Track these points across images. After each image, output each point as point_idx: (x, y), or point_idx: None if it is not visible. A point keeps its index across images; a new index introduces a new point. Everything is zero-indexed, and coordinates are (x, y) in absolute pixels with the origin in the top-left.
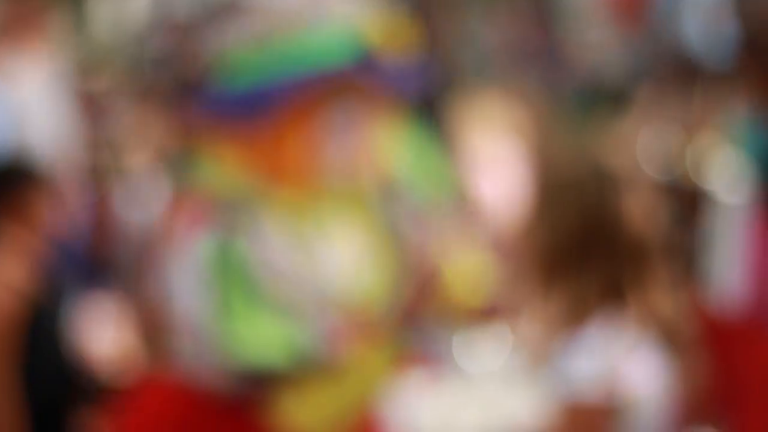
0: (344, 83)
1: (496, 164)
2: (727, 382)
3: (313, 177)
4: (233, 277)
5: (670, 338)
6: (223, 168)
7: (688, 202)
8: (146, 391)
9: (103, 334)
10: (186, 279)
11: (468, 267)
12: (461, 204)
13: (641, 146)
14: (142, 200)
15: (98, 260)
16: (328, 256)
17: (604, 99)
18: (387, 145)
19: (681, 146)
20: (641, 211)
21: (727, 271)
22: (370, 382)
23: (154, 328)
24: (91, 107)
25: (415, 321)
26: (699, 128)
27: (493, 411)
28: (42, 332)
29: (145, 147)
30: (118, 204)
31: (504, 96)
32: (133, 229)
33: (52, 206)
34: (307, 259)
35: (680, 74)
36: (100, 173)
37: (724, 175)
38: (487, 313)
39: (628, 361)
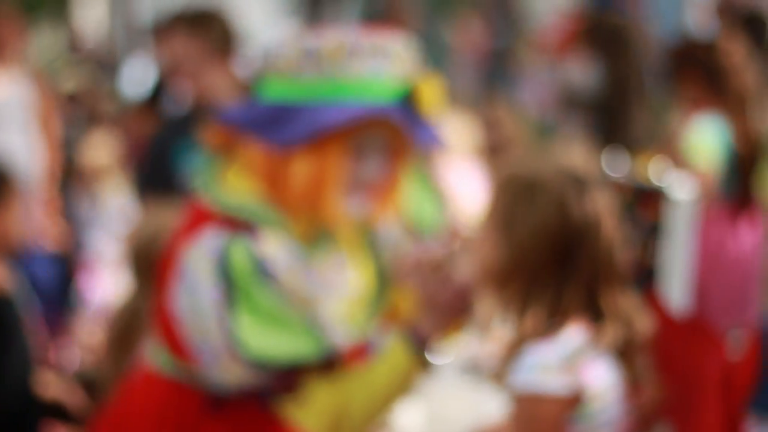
0: (380, 121)
1: (462, 171)
2: (681, 383)
3: (323, 204)
4: (242, 278)
5: (631, 340)
6: (232, 180)
7: (644, 199)
8: (141, 390)
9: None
10: (194, 279)
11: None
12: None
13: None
14: (100, 202)
15: (55, 260)
16: (331, 279)
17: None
18: (405, 186)
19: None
20: (610, 214)
21: (681, 269)
22: (373, 396)
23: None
24: (60, 109)
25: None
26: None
27: (464, 406)
28: (10, 332)
29: (109, 149)
30: (74, 204)
31: (467, 101)
32: (86, 229)
33: (26, 209)
34: (311, 278)
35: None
36: (59, 173)
37: (680, 173)
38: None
39: (594, 362)
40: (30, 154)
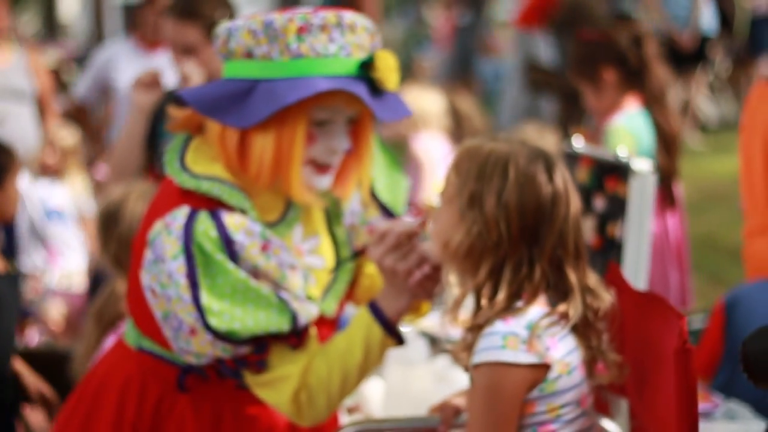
0: (341, 95)
1: (436, 145)
2: (639, 356)
3: (287, 180)
4: (207, 252)
5: (593, 315)
6: (198, 158)
7: (609, 174)
8: (110, 365)
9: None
10: (161, 254)
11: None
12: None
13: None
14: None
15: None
16: (297, 253)
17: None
18: (370, 159)
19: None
20: (575, 189)
21: (641, 242)
22: (341, 369)
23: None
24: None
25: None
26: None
27: (428, 378)
28: None
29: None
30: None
31: (442, 78)
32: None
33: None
34: (276, 252)
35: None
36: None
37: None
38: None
39: (558, 337)
40: (33, 125)
